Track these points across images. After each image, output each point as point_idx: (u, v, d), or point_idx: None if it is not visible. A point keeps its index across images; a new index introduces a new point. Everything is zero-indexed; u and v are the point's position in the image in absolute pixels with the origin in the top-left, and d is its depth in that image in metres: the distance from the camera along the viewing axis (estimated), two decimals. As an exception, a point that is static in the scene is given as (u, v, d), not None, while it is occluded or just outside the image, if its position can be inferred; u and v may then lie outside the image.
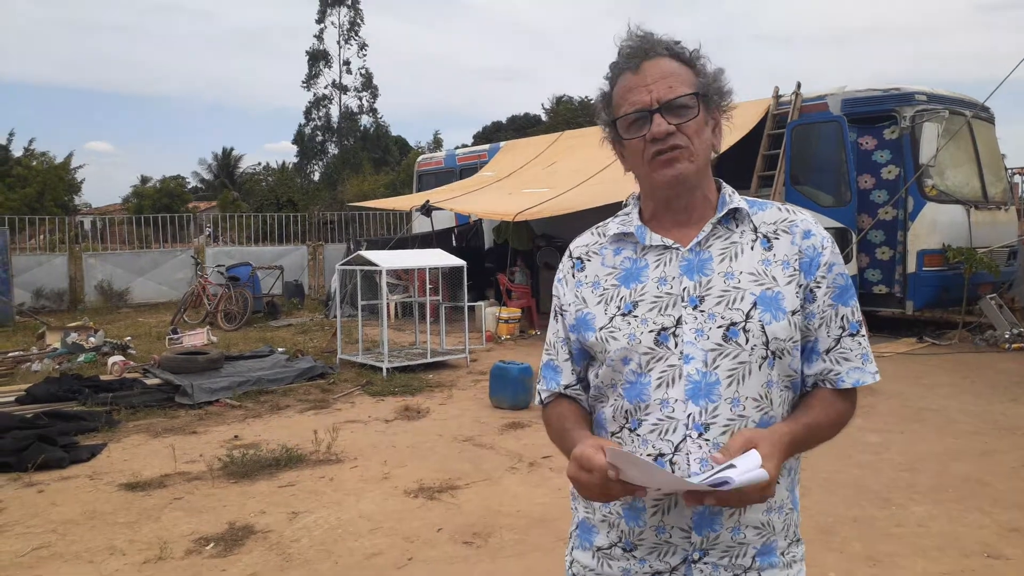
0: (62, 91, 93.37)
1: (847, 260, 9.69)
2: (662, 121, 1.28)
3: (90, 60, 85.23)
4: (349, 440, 5.75)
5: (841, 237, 9.80)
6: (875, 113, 9.79)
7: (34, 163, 29.55)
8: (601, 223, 1.47)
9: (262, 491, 4.66)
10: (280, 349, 9.41)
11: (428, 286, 9.70)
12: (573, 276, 1.44)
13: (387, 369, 8.13)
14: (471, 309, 9.93)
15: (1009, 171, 13.04)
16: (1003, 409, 6.20)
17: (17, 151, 30.00)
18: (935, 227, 9.44)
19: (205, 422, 6.40)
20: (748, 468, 1.13)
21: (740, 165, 10.35)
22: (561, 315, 1.45)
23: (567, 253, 1.48)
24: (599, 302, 1.38)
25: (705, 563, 1.30)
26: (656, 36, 1.34)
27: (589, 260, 1.43)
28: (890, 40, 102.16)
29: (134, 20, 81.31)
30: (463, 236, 14.12)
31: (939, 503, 4.21)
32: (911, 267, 9.49)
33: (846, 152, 9.73)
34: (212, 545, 3.86)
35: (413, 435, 5.94)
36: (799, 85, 10.59)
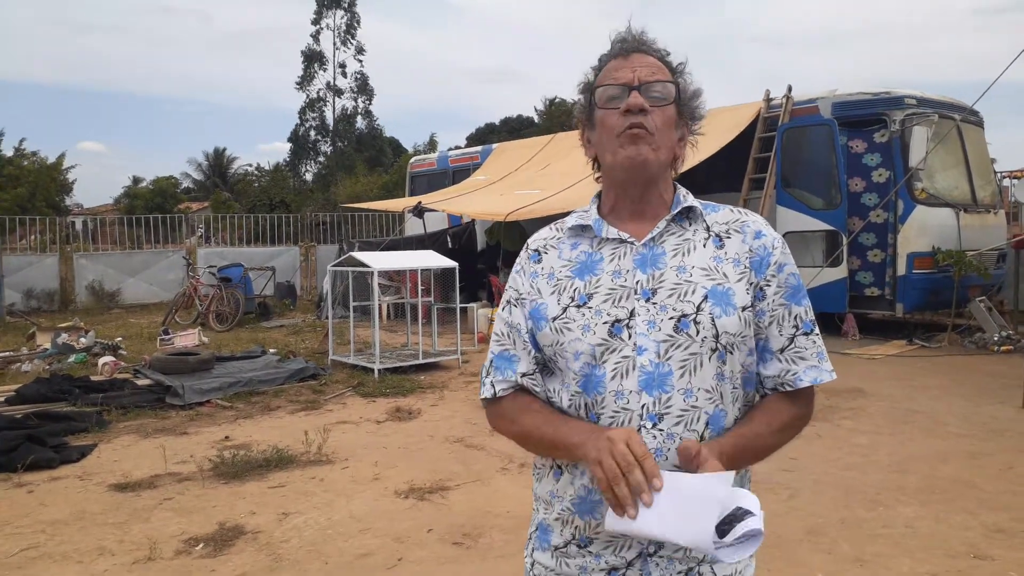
0: (54, 91, 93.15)
1: (837, 263, 9.74)
2: (639, 96, 1.33)
3: (83, 60, 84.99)
4: (340, 441, 5.75)
5: (831, 240, 9.86)
6: (865, 116, 9.85)
7: (25, 163, 29.40)
8: (560, 219, 1.50)
9: (252, 492, 4.66)
10: (272, 350, 9.40)
11: (420, 287, 9.70)
12: (530, 268, 1.45)
13: (379, 370, 8.13)
14: (463, 310, 9.94)
15: (998, 174, 13.12)
16: (991, 411, 6.24)
17: (8, 151, 29.86)
18: (925, 230, 9.49)
19: (196, 423, 6.39)
20: (737, 498, 1.14)
21: (731, 168, 10.40)
22: (519, 304, 1.44)
23: (525, 246, 1.50)
24: (552, 292, 1.39)
25: (660, 556, 1.31)
26: (649, 39, 1.41)
27: (546, 252, 1.45)
28: (883, 43, 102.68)
29: (127, 20, 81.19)
30: (456, 237, 14.13)
31: (927, 504, 4.24)
32: (901, 270, 9.54)
33: (836, 155, 9.78)
34: (202, 545, 3.85)
35: (404, 436, 5.95)
36: (790, 88, 10.64)
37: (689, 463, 1.21)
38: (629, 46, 1.39)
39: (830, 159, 9.88)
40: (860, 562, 3.54)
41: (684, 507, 1.13)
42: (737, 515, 1.09)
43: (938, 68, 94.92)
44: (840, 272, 9.75)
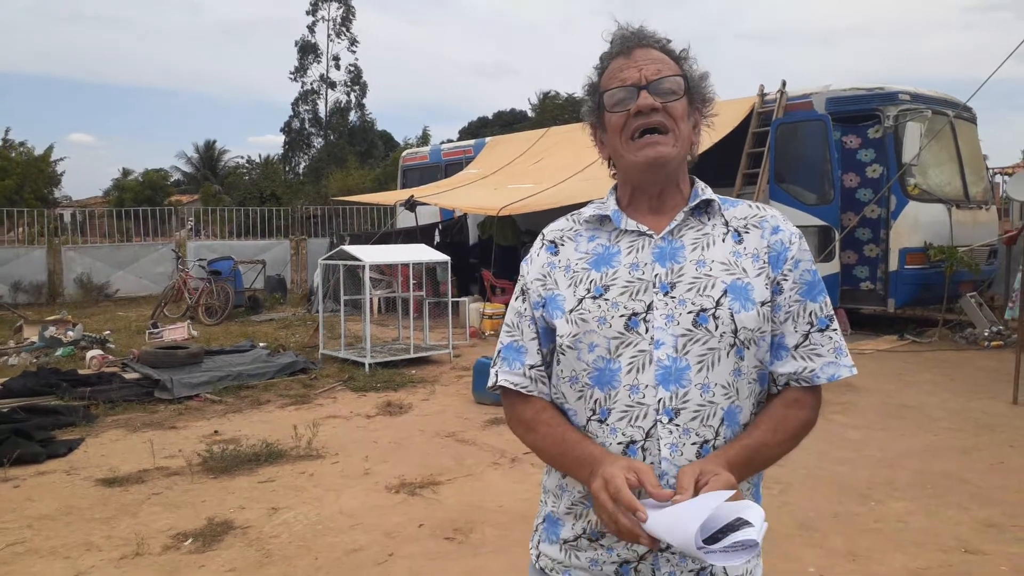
0: (43, 82, 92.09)
1: (830, 258, 9.75)
2: (648, 96, 1.31)
3: (72, 51, 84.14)
4: (330, 435, 5.71)
5: (824, 235, 9.87)
6: (859, 112, 9.86)
7: (13, 155, 29.12)
8: (576, 211, 1.49)
9: (241, 486, 4.62)
10: (261, 344, 9.35)
11: (412, 281, 9.66)
12: (545, 258, 1.44)
13: (369, 364, 8.09)
14: (455, 305, 9.90)
15: (990, 171, 13.17)
16: (982, 406, 6.26)
17: (-4, 142, 29.57)
18: (917, 226, 9.52)
19: (184, 417, 6.34)
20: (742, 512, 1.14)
21: (725, 163, 10.38)
22: (533, 294, 1.43)
23: (540, 236, 1.48)
24: (569, 285, 1.38)
25: (672, 552, 1.30)
26: (647, 31, 1.39)
27: (563, 244, 1.43)
28: (876, 39, 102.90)
29: (117, 11, 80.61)
30: (448, 231, 14.08)
31: (918, 499, 4.24)
32: (893, 265, 9.57)
33: (830, 150, 9.78)
34: (190, 541, 3.82)
35: (395, 431, 5.91)
36: (784, 83, 10.64)
37: (695, 486, 1.18)
38: (630, 42, 1.37)
39: (824, 154, 9.88)
40: (852, 556, 3.54)
41: (676, 514, 1.14)
42: (734, 525, 1.11)
43: (928, 65, 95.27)
44: (832, 267, 9.75)
